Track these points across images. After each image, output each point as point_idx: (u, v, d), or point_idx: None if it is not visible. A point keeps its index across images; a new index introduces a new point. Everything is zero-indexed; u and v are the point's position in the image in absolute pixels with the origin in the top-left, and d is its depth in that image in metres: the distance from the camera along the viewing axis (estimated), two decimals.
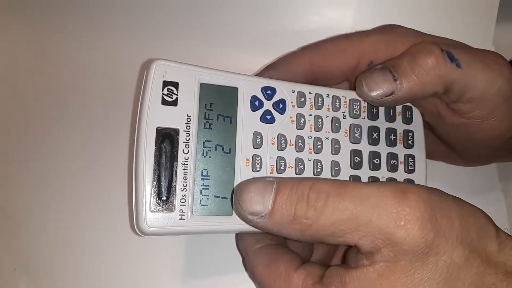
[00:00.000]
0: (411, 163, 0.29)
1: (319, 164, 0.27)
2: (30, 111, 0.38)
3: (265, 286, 0.25)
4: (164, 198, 0.23)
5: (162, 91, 0.24)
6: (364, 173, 0.28)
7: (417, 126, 0.29)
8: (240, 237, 0.28)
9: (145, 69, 0.25)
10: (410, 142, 0.29)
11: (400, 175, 0.28)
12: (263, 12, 0.39)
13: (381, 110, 0.29)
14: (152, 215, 0.23)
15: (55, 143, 0.36)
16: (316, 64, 0.29)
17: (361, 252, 0.22)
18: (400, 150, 0.29)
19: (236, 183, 0.25)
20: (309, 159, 0.27)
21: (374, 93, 0.26)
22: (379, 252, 0.21)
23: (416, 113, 0.30)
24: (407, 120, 0.29)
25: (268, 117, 0.26)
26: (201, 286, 0.32)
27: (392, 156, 0.28)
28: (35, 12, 0.40)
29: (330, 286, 0.22)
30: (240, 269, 0.31)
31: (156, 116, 0.24)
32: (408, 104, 0.29)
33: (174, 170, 0.24)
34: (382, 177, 0.28)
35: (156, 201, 0.23)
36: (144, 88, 0.24)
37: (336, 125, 0.28)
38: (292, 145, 0.27)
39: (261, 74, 0.29)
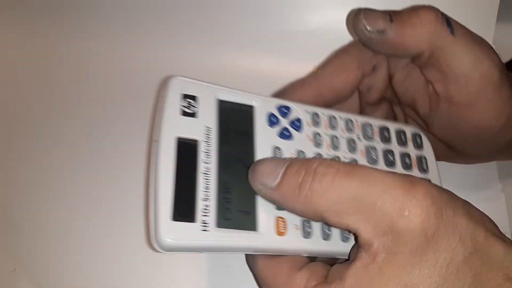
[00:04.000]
0: None
1: None
2: (34, 112, 0.38)
3: (265, 285, 0.25)
4: (185, 207, 0.22)
5: (181, 103, 0.24)
6: None
7: (428, 152, 0.30)
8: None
9: (163, 83, 0.25)
10: (424, 167, 0.29)
11: None
12: (264, 12, 0.39)
13: (392, 134, 0.29)
14: (172, 225, 0.21)
15: (57, 143, 0.37)
16: (324, 87, 0.30)
17: (360, 242, 0.22)
18: (416, 174, 0.29)
19: (258, 197, 0.24)
20: None
21: (368, 23, 0.26)
22: (378, 241, 0.21)
23: (426, 140, 0.30)
24: (418, 146, 0.29)
25: (286, 133, 0.26)
26: None
27: None
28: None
29: (331, 284, 0.22)
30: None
31: (176, 126, 0.23)
32: (417, 131, 0.30)
33: (195, 180, 0.23)
34: None
35: (177, 209, 0.22)
36: (162, 100, 0.24)
37: (352, 146, 0.28)
38: None
39: None
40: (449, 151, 0.32)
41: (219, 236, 0.22)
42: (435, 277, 0.20)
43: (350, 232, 0.22)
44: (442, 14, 0.26)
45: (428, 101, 0.29)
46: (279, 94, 0.31)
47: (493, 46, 0.36)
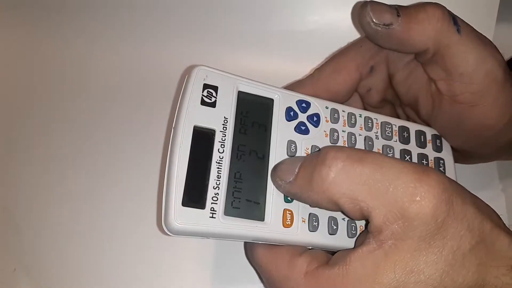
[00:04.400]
0: None
1: None
2: (36, 113, 0.38)
3: (266, 271, 0.25)
4: (196, 194, 0.23)
5: (202, 92, 0.25)
6: None
7: (447, 155, 0.30)
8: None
9: (186, 74, 0.25)
10: (441, 169, 0.29)
11: None
12: (263, 12, 0.39)
13: (412, 135, 0.29)
14: (181, 210, 0.22)
15: (58, 144, 0.37)
16: (320, 88, 0.30)
17: (371, 227, 0.22)
18: None
19: (268, 188, 0.25)
20: None
21: (374, 16, 0.26)
22: (388, 228, 0.21)
23: (446, 143, 0.30)
24: (437, 148, 0.29)
25: (303, 127, 0.27)
26: None
27: None
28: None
29: (334, 267, 0.22)
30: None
31: (194, 115, 0.24)
32: (436, 132, 0.30)
33: (208, 168, 0.24)
34: None
35: (188, 195, 0.23)
36: (184, 89, 0.25)
37: (369, 144, 0.28)
38: None
39: None
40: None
41: (226, 224, 0.23)
42: (441, 263, 0.21)
43: (364, 217, 0.23)
44: (449, 12, 0.26)
45: (430, 100, 0.29)
46: None
47: None
